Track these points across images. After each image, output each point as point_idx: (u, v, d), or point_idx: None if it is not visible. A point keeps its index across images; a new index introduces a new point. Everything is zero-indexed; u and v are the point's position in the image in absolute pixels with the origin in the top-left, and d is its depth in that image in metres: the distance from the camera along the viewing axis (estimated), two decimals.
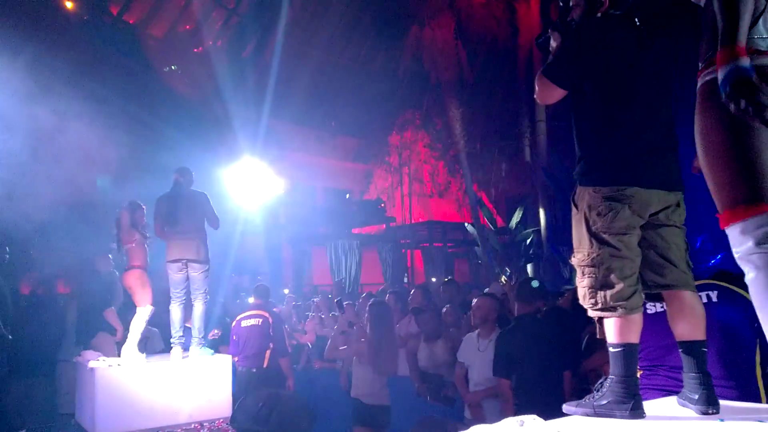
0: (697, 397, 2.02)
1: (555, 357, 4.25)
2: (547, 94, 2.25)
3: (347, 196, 20.00)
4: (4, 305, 5.58)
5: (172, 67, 15.78)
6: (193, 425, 5.48)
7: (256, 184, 13.11)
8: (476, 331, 4.98)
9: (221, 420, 5.65)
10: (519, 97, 15.64)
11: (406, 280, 17.28)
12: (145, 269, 5.61)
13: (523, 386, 4.24)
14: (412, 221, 18.71)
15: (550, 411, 2.00)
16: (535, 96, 2.31)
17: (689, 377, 2.06)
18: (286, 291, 11.78)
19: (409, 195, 19.15)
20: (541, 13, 13.87)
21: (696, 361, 2.06)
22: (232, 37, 17.48)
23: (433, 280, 14.20)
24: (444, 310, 5.92)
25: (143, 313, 5.53)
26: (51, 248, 8.31)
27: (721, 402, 2.06)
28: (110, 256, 6.11)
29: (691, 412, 2.03)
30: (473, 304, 5.12)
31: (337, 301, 7.26)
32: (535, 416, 2.02)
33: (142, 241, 5.63)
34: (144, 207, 5.82)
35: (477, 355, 4.86)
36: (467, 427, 4.63)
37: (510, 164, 17.00)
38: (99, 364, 5.23)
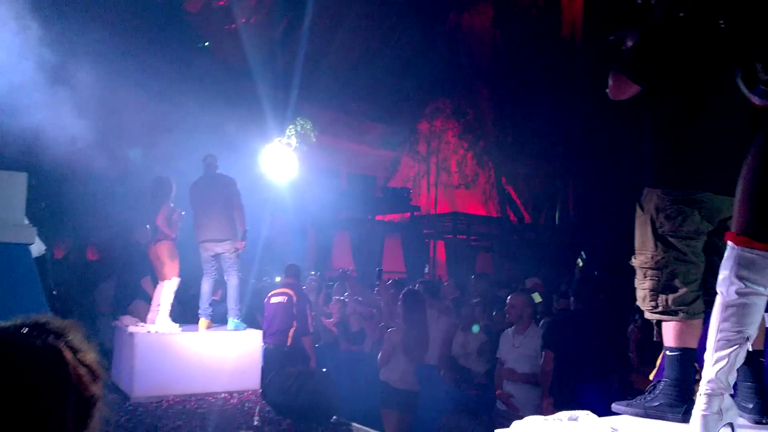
0: (751, 406, 1.99)
1: (604, 357, 4.32)
2: (621, 90, 2.22)
3: (373, 179, 19.93)
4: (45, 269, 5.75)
5: (206, 44, 15.83)
6: (223, 394, 5.61)
7: (283, 166, 13.17)
8: (512, 328, 5.05)
9: (250, 392, 5.78)
10: (555, 91, 15.43)
11: (427, 270, 17.28)
12: (175, 242, 5.78)
13: (564, 380, 4.32)
14: (437, 211, 18.66)
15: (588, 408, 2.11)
16: (607, 91, 2.26)
17: (744, 386, 2.03)
18: (312, 273, 11.88)
19: (435, 185, 19.09)
20: (584, 7, 13.61)
21: (752, 370, 2.01)
22: (264, 16, 17.43)
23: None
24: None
25: (171, 285, 5.67)
26: (86, 216, 8.51)
27: None
28: (148, 227, 6.24)
29: (743, 420, 2.00)
30: (508, 300, 5.18)
31: (378, 270, 7.36)
32: (588, 412, 2.02)
33: (176, 217, 5.81)
34: (172, 181, 5.97)
35: (512, 351, 4.95)
36: (501, 417, 4.73)
37: (541, 160, 16.80)
38: (138, 329, 5.38)
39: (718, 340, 1.66)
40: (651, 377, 2.76)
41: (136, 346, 5.22)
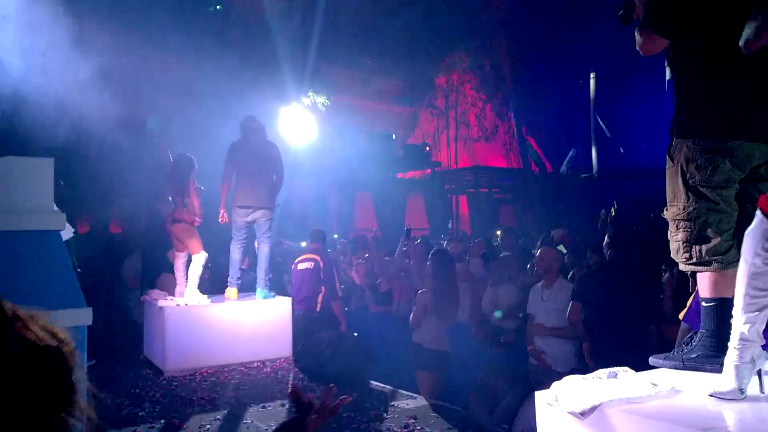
0: None
1: (639, 308, 4.25)
2: (651, 45, 2.20)
3: (393, 137, 19.69)
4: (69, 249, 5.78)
5: (217, 7, 15.52)
6: (256, 364, 5.65)
7: (302, 127, 13.03)
8: (540, 282, 4.97)
9: (282, 359, 5.82)
10: (573, 38, 14.94)
11: (450, 225, 17.20)
12: (193, 224, 5.74)
13: (599, 331, 4.30)
14: (458, 166, 18.44)
15: (625, 360, 2.05)
16: (637, 47, 2.24)
17: None
18: (336, 236, 11.85)
19: (455, 139, 18.80)
20: None
21: None
22: None
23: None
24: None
25: (200, 259, 5.67)
26: (107, 190, 8.50)
27: None
28: (170, 198, 6.19)
29: None
30: (537, 254, 5.09)
31: (407, 229, 7.30)
32: (626, 368, 2.00)
33: (198, 192, 5.78)
34: (192, 157, 5.88)
35: (541, 305, 4.89)
36: (533, 374, 4.69)
37: (561, 106, 16.39)
38: (167, 302, 5.39)
39: (747, 304, 1.71)
40: (681, 317, 2.79)
41: (167, 320, 5.24)
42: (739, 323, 1.74)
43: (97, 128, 7.80)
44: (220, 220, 5.99)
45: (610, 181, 12.64)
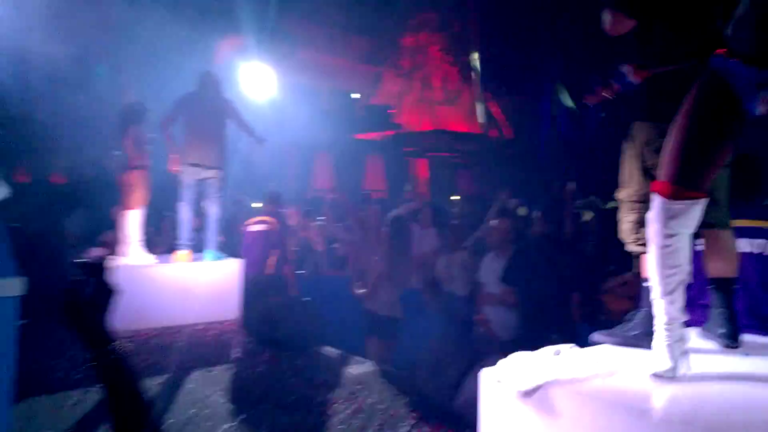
0: (723, 331, 2.09)
1: (563, 278, 4.52)
2: (617, 25, 2.26)
3: (354, 96, 19.31)
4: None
5: None
6: (201, 326, 5.52)
7: (260, 84, 12.59)
8: (493, 251, 4.97)
9: (230, 322, 5.70)
10: (542, 4, 14.79)
11: (408, 188, 17.14)
12: (146, 169, 5.51)
13: (530, 301, 4.51)
14: (420, 129, 18.28)
15: (555, 327, 2.02)
16: (605, 28, 2.29)
17: (717, 313, 2.12)
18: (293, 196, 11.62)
19: (418, 101, 18.58)
20: None
21: (725, 297, 2.11)
22: None
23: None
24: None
25: (136, 215, 5.46)
26: (51, 141, 8.07)
27: (748, 337, 2.16)
28: (119, 152, 5.89)
29: (714, 345, 2.11)
30: (491, 224, 5.06)
31: (364, 194, 7.20)
32: (572, 345, 2.08)
33: (146, 142, 5.51)
34: (146, 105, 5.60)
35: (492, 274, 4.88)
36: (481, 342, 4.72)
37: (527, 75, 16.32)
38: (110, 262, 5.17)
39: (665, 284, 1.81)
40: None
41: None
42: (662, 305, 1.83)
43: (39, 71, 7.35)
44: (169, 168, 5.72)
45: (571, 153, 12.72)
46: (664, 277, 1.80)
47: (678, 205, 1.78)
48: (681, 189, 1.78)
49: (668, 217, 1.79)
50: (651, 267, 1.86)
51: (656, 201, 1.82)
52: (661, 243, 1.80)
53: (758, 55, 1.67)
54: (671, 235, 1.79)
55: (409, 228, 5.41)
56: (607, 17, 2.28)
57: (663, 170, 1.85)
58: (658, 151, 2.08)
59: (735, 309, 2.13)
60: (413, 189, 16.92)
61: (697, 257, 2.39)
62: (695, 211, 1.80)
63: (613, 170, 2.41)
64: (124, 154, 5.45)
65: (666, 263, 1.80)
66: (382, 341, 5.06)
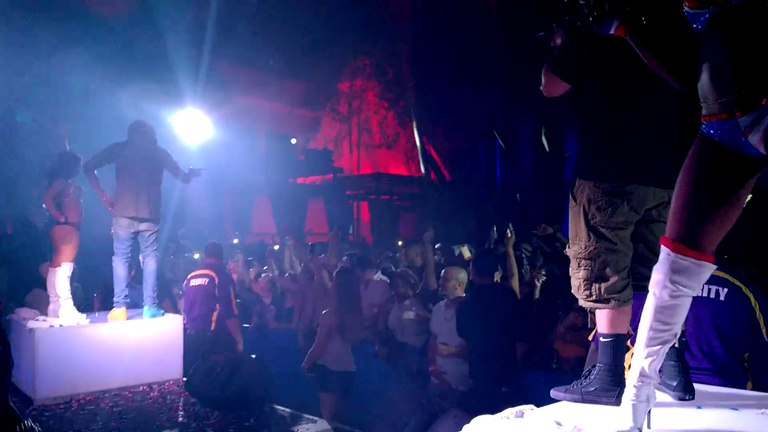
0: (675, 383, 2.11)
1: (508, 328, 4.44)
2: (553, 87, 2.31)
3: (293, 141, 19.22)
4: None
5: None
6: (141, 388, 5.18)
7: (195, 130, 12.34)
8: (444, 301, 4.90)
9: (172, 382, 5.37)
10: (474, 49, 15.34)
11: (351, 231, 17.10)
12: (78, 226, 5.23)
13: (478, 352, 4.43)
14: (360, 172, 18.38)
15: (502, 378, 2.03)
16: (540, 88, 2.34)
17: (669, 365, 2.14)
18: (236, 241, 11.33)
19: (357, 145, 18.73)
20: None
21: (676, 350, 2.12)
22: None
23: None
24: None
25: (63, 271, 5.14)
26: None
27: (701, 388, 2.19)
28: (44, 206, 5.54)
29: (668, 397, 2.13)
30: (443, 273, 5.01)
31: (310, 245, 7.01)
32: (532, 406, 2.07)
33: (78, 195, 5.21)
34: (80, 157, 5.33)
35: (444, 324, 4.79)
36: (436, 396, 4.61)
37: (463, 117, 16.78)
38: (38, 324, 4.79)
39: (651, 338, 1.78)
40: (590, 338, 2.85)
41: (38, 342, 4.64)
42: (640, 358, 1.80)
43: None
44: (109, 207, 5.41)
45: (510, 197, 13.01)
46: (653, 331, 1.78)
47: (683, 261, 1.76)
48: (683, 246, 1.76)
49: (672, 271, 1.76)
50: (644, 316, 1.82)
51: (663, 252, 1.80)
52: (660, 294, 1.78)
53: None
54: (672, 290, 1.76)
55: (357, 279, 5.30)
56: (543, 78, 2.32)
57: (667, 225, 1.84)
58: (600, 209, 2.15)
59: (686, 361, 2.15)
60: (356, 232, 16.93)
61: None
62: (701, 273, 1.77)
63: (549, 213, 2.47)
64: (46, 209, 5.13)
65: (658, 317, 1.78)
66: (336, 396, 4.87)
